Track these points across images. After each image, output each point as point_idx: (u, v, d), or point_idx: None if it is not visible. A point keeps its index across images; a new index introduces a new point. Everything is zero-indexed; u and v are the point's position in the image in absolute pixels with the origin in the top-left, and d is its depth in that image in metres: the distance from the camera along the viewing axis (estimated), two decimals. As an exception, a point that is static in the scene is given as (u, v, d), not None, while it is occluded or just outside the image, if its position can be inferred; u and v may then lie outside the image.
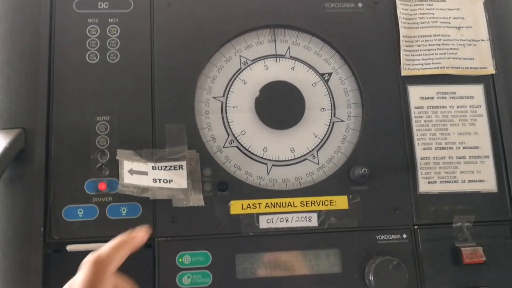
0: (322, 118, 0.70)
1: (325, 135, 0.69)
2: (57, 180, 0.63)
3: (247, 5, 0.71)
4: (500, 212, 0.67)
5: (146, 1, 0.70)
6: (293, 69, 0.71)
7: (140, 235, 0.54)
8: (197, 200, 0.63)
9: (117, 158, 0.63)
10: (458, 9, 0.73)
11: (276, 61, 0.71)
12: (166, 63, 0.68)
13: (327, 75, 0.71)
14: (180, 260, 0.62)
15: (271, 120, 0.69)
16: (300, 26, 0.72)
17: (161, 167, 0.64)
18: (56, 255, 0.61)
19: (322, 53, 0.72)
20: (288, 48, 0.72)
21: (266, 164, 0.68)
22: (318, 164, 0.68)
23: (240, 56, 0.71)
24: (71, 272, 0.50)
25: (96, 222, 0.62)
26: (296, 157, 0.68)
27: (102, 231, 0.62)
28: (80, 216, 0.62)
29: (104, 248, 0.50)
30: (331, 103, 0.70)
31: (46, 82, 0.65)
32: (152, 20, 0.69)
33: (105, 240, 0.61)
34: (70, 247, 0.61)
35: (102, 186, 0.63)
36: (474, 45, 0.72)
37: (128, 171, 0.63)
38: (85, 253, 0.60)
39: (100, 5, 0.69)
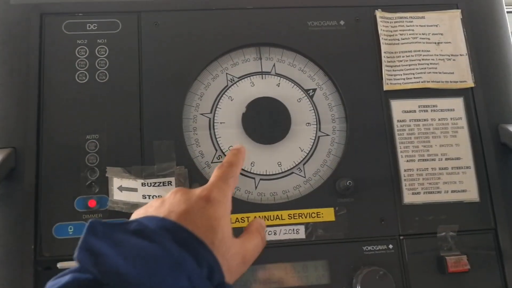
0: (307, 133, 0.71)
1: (311, 149, 0.71)
2: (47, 198, 0.64)
3: (233, 24, 0.73)
4: (483, 221, 0.69)
5: (134, 22, 0.71)
6: (278, 86, 0.73)
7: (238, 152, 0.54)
8: (186, 215, 0.64)
9: (106, 175, 0.64)
10: (437, 26, 0.76)
11: (262, 78, 0.73)
12: (154, 82, 0.69)
13: (311, 91, 0.73)
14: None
15: (258, 135, 0.70)
16: (284, 44, 0.74)
17: (150, 183, 0.65)
18: (47, 272, 0.62)
19: (306, 69, 0.74)
20: (274, 65, 0.74)
21: (254, 178, 0.69)
22: (305, 177, 0.70)
23: (226, 73, 0.72)
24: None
25: (86, 239, 0.63)
26: (283, 170, 0.70)
27: (93, 247, 0.63)
28: (71, 233, 0.63)
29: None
30: (316, 118, 0.72)
31: (36, 101, 0.67)
32: (140, 40, 0.71)
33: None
34: (61, 264, 0.61)
35: (92, 203, 0.64)
36: (453, 59, 0.74)
37: (117, 188, 0.64)
38: (76, 270, 0.62)
39: (89, 26, 0.71)
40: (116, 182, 0.64)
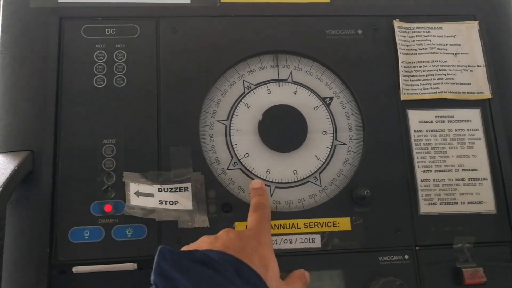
0: (324, 141, 0.71)
1: (327, 157, 0.71)
2: (63, 202, 0.64)
3: (251, 31, 0.73)
4: (500, 233, 0.68)
5: (152, 27, 0.72)
6: (295, 93, 0.73)
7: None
8: (202, 221, 0.64)
9: (123, 180, 0.64)
10: (454, 36, 0.76)
11: (279, 86, 0.73)
12: (172, 87, 0.69)
13: (328, 99, 0.73)
14: None
15: (274, 143, 0.70)
16: (302, 51, 0.74)
17: (167, 189, 0.65)
18: (61, 276, 0.62)
19: (323, 77, 0.74)
20: (291, 73, 0.74)
21: (269, 186, 0.69)
22: (321, 186, 0.69)
23: (243, 80, 0.72)
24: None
25: (101, 244, 0.63)
26: (299, 179, 0.69)
27: (108, 252, 0.63)
28: (86, 237, 0.63)
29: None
30: (332, 127, 0.72)
31: (54, 105, 0.67)
32: (158, 46, 0.71)
33: (111, 261, 0.62)
34: (76, 269, 0.61)
35: (108, 208, 0.64)
36: (471, 70, 0.74)
37: (134, 193, 0.64)
38: (91, 275, 0.62)
39: (108, 31, 0.71)
40: (133, 187, 0.64)
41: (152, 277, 0.41)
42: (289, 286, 0.54)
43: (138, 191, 0.64)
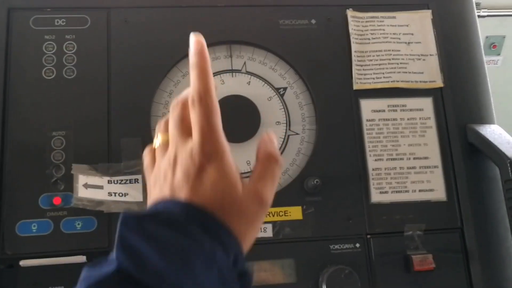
0: (277, 132, 0.71)
1: (280, 148, 0.71)
2: (11, 194, 0.63)
3: (204, 22, 0.73)
4: (449, 220, 0.69)
5: (103, 18, 0.71)
6: (249, 84, 0.73)
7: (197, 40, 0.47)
8: (152, 213, 0.64)
9: (72, 172, 0.64)
10: (407, 25, 0.76)
11: (232, 76, 0.73)
12: (123, 79, 0.69)
13: (282, 89, 0.73)
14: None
15: (227, 133, 0.69)
16: (255, 42, 0.74)
17: (117, 181, 0.64)
18: (9, 270, 0.61)
19: (277, 68, 0.74)
20: (244, 63, 0.74)
21: (222, 176, 0.69)
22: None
23: (196, 71, 0.72)
24: None
25: (50, 237, 0.62)
26: (252, 169, 0.69)
27: (57, 245, 0.62)
28: (34, 230, 0.62)
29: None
30: (286, 117, 0.72)
31: (1, 97, 0.66)
32: (109, 36, 0.70)
33: (60, 254, 0.62)
34: (23, 262, 0.61)
35: (57, 201, 0.63)
36: (423, 59, 0.75)
37: (83, 185, 0.63)
38: (40, 268, 0.61)
39: (57, 22, 0.70)
40: (82, 179, 0.64)
41: (114, 253, 0.38)
42: (260, 182, 0.45)
43: (86, 183, 0.64)
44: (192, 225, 0.41)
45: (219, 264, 0.40)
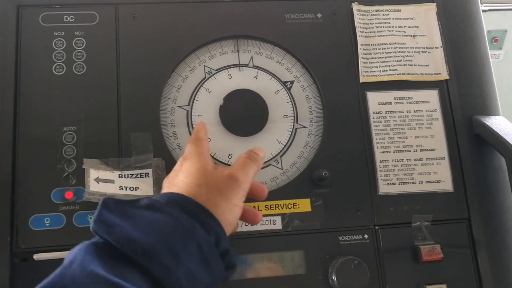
0: (285, 125, 0.72)
1: (288, 141, 0.71)
2: (23, 189, 0.64)
3: (211, 17, 0.74)
4: (456, 211, 0.70)
5: (112, 14, 0.71)
6: (256, 78, 0.73)
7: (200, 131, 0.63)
8: (163, 206, 0.65)
9: (83, 167, 0.65)
10: (413, 18, 0.77)
11: (240, 70, 0.73)
12: (132, 74, 0.70)
13: (289, 83, 0.74)
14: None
15: (235, 128, 0.71)
16: (262, 36, 0.74)
17: (128, 175, 0.65)
18: (23, 264, 0.62)
19: (284, 62, 0.75)
20: (251, 57, 0.74)
21: (231, 170, 0.69)
22: (282, 169, 0.70)
23: (204, 66, 0.73)
24: (38, 281, 0.50)
25: (63, 231, 0.63)
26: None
27: (69, 239, 0.63)
28: (47, 224, 0.63)
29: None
30: (293, 110, 0.73)
31: (12, 93, 0.66)
32: (118, 32, 0.71)
33: (73, 248, 0.62)
34: (37, 256, 0.61)
35: (69, 195, 0.64)
36: (429, 52, 0.75)
37: (94, 179, 0.64)
38: (53, 262, 0.62)
39: (66, 18, 0.71)
40: (93, 173, 0.64)
41: (91, 226, 0.42)
42: (233, 166, 0.57)
43: (98, 177, 0.64)
44: (171, 206, 0.45)
45: (198, 239, 0.43)
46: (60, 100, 0.67)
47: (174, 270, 0.40)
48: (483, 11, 2.06)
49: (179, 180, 0.52)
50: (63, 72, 0.69)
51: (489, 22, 2.13)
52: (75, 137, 0.66)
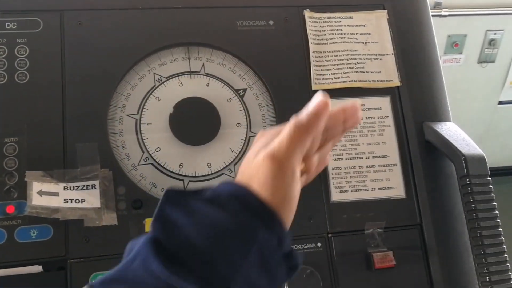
0: (238, 133, 0.71)
1: (241, 149, 0.70)
2: (-39, 204, 0.61)
3: (161, 24, 0.72)
4: (409, 217, 0.70)
5: (56, 21, 0.69)
6: (208, 85, 0.72)
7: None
8: (110, 219, 0.63)
9: (25, 179, 0.62)
10: (364, 25, 0.77)
11: (191, 78, 0.72)
12: (78, 82, 0.67)
13: (242, 91, 0.73)
14: (94, 281, 0.61)
15: (186, 136, 0.69)
16: (213, 43, 0.73)
17: (73, 187, 0.63)
18: (-40, 282, 0.59)
19: (236, 69, 0.74)
20: (203, 65, 0.73)
21: (182, 180, 0.68)
22: (235, 178, 0.69)
23: (154, 73, 0.71)
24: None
25: (4, 247, 0.61)
26: (213, 172, 0.69)
27: (11, 255, 0.60)
28: (-13, 240, 0.60)
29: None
30: (246, 118, 0.72)
31: (-51, 104, 0.64)
32: (63, 40, 0.69)
33: (15, 265, 0.60)
34: (-24, 273, 0.59)
35: (11, 209, 0.61)
36: (380, 59, 0.76)
37: (37, 192, 0.62)
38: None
39: (8, 25, 0.68)
40: (36, 186, 0.62)
41: (151, 222, 0.40)
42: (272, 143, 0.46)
43: (41, 190, 0.62)
44: (232, 201, 0.41)
45: (260, 243, 0.40)
46: (1, 110, 0.65)
47: (232, 279, 0.39)
48: (443, 16, 2.10)
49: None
50: (4, 80, 0.66)
51: (449, 27, 2.18)
52: (17, 149, 0.64)
